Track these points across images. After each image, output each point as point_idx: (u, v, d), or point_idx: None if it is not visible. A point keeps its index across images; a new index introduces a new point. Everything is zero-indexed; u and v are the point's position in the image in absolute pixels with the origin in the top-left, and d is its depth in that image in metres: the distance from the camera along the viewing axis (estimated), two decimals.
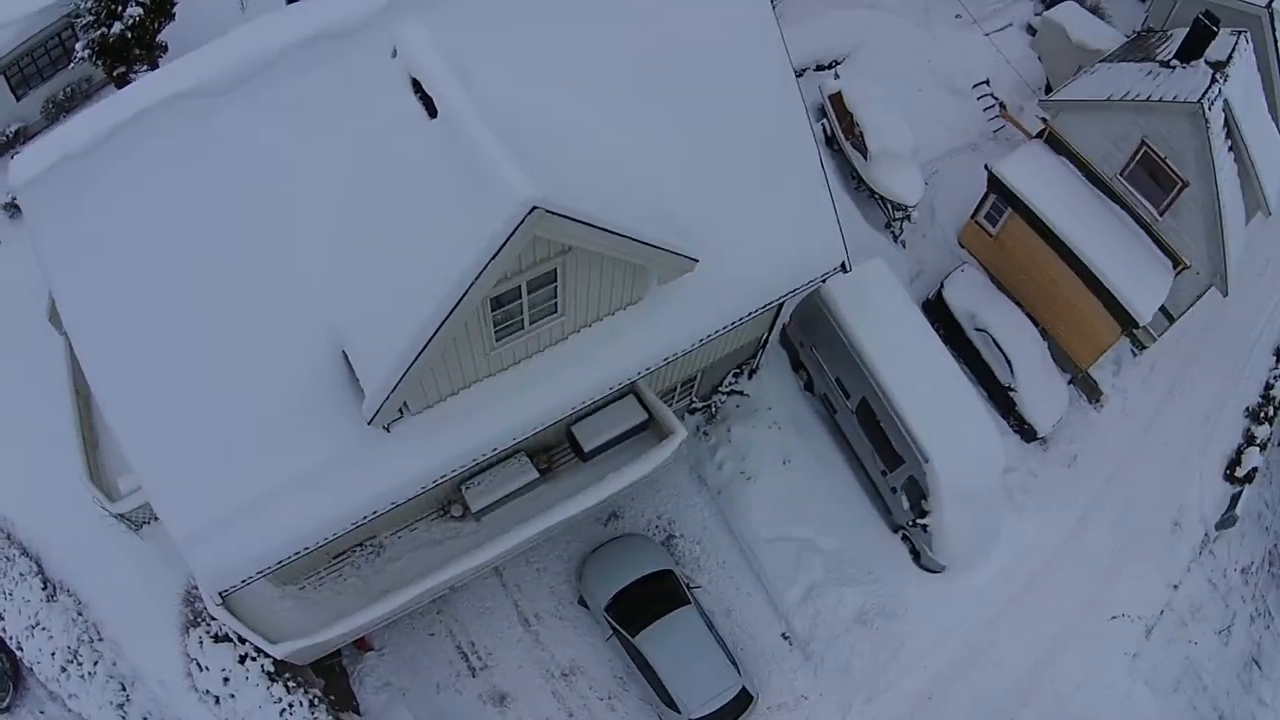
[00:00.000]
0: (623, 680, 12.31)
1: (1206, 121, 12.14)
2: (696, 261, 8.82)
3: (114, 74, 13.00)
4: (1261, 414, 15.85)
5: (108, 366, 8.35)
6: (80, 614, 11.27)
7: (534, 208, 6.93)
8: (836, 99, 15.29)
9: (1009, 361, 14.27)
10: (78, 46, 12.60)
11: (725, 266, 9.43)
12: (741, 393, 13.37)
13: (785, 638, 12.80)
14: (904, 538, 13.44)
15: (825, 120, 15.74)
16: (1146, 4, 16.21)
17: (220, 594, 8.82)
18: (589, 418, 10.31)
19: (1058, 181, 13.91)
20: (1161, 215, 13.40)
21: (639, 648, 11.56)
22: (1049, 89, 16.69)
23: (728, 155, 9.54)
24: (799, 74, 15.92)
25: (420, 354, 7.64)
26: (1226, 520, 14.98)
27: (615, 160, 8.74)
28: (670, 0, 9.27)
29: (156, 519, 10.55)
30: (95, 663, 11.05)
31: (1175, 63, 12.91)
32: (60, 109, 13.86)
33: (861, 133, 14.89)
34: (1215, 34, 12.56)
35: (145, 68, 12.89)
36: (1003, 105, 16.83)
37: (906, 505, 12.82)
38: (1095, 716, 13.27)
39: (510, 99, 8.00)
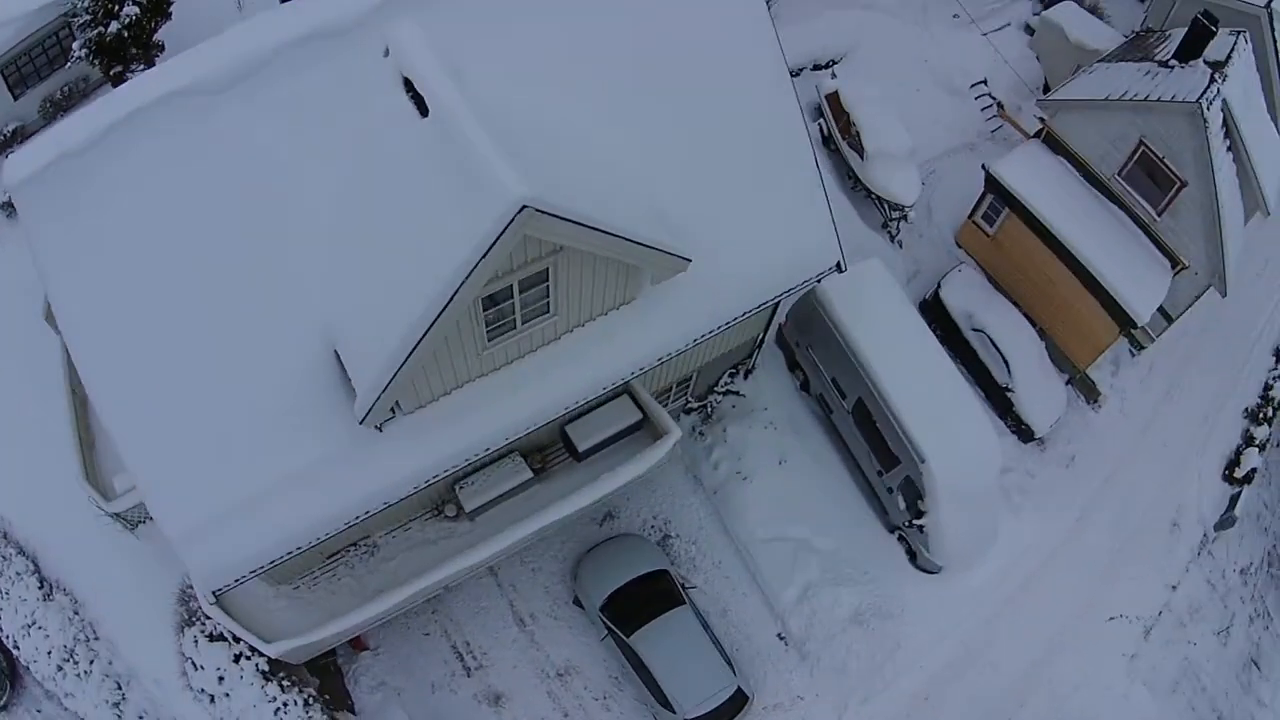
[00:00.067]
0: (618, 680, 12.30)
1: (1205, 121, 12.10)
2: (690, 261, 8.80)
3: (111, 73, 13.02)
4: (1260, 415, 15.80)
5: (102, 365, 8.36)
6: (76, 613, 11.29)
7: (524, 206, 6.92)
8: (833, 98, 15.27)
9: (1006, 362, 14.24)
10: (74, 46, 12.62)
11: (719, 266, 9.42)
12: (737, 393, 13.36)
13: (781, 638, 12.78)
14: (900, 538, 13.42)
15: (822, 120, 15.72)
16: (1145, 4, 16.17)
17: (214, 593, 8.83)
18: (583, 418, 10.31)
19: (1055, 181, 13.88)
20: (1160, 215, 13.36)
21: (634, 648, 11.56)
22: (1047, 89, 16.65)
23: (722, 154, 9.53)
24: (795, 73, 15.97)
25: (411, 354, 7.64)
26: (1225, 521, 14.94)
27: (609, 159, 8.72)
28: (665, 2, 9.26)
29: (152, 518, 10.56)
30: (91, 661, 11.06)
31: (1174, 62, 12.88)
32: (58, 108, 13.88)
33: (858, 132, 14.87)
34: (1214, 34, 12.53)
35: (142, 67, 12.90)
36: (1000, 105, 16.79)
37: (903, 506, 12.79)
38: (1093, 717, 13.24)
39: (504, 98, 7.99)
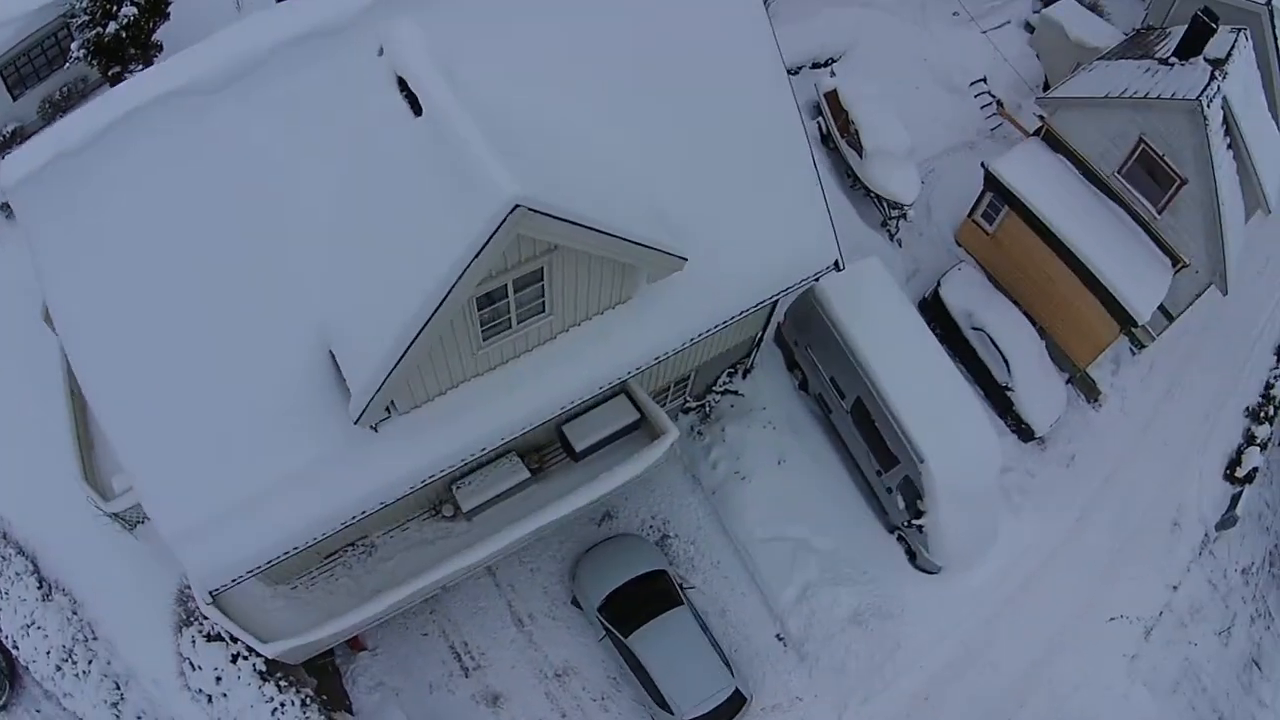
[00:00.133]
0: (616, 681, 12.29)
1: (1205, 119, 12.05)
2: (685, 260, 8.78)
3: (109, 74, 13.03)
4: (1262, 413, 15.74)
5: (98, 365, 8.36)
6: (75, 613, 11.31)
7: (517, 206, 6.90)
8: (832, 97, 15.23)
9: (1006, 361, 14.20)
10: (73, 46, 12.64)
11: (717, 265, 9.41)
12: (736, 392, 13.33)
13: (780, 638, 12.76)
14: (900, 538, 13.38)
15: (820, 118, 15.69)
16: (1145, 1, 16.12)
17: (211, 593, 8.83)
18: (580, 417, 10.29)
19: (1055, 179, 13.84)
20: (1160, 213, 13.31)
21: (631, 649, 11.54)
22: (1047, 87, 16.61)
23: (720, 153, 9.50)
24: (794, 72, 15.95)
25: (405, 353, 7.62)
26: (1226, 520, 14.88)
27: (607, 159, 8.71)
28: (662, 1, 9.24)
29: (150, 518, 10.56)
30: (90, 662, 11.08)
31: (1174, 60, 12.83)
32: (57, 109, 13.89)
33: (857, 131, 14.83)
34: (1214, 31, 12.48)
35: (140, 67, 12.90)
36: (1000, 103, 16.75)
37: (902, 506, 12.76)
38: (1093, 717, 13.19)
39: (500, 97, 7.98)
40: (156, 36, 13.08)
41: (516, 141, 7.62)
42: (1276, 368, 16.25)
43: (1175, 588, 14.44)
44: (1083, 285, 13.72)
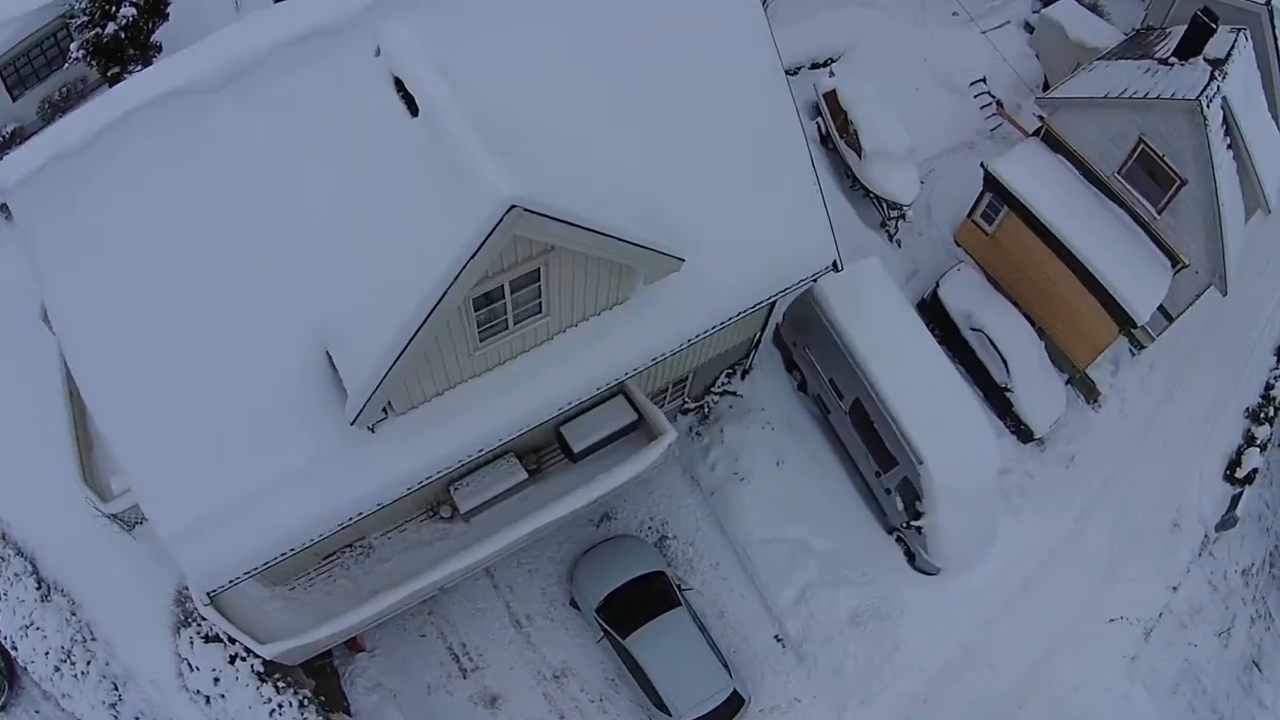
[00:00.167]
0: (614, 682, 12.27)
1: (1205, 119, 12.03)
2: (683, 261, 8.77)
3: (108, 74, 13.04)
4: (1262, 414, 15.71)
5: (95, 365, 8.36)
6: (74, 614, 11.31)
7: (513, 206, 6.90)
8: (831, 97, 15.22)
9: (1005, 361, 14.18)
10: (72, 47, 12.65)
11: (714, 266, 9.39)
12: (734, 393, 13.32)
13: (778, 640, 12.74)
14: (899, 539, 13.36)
15: (820, 119, 15.68)
16: (1146, 2, 16.10)
17: (208, 594, 8.82)
18: (578, 418, 10.28)
19: (1055, 180, 13.82)
20: (1160, 213, 13.29)
21: (629, 650, 11.53)
22: (1047, 87, 16.58)
23: (718, 154, 9.49)
24: (794, 72, 15.95)
25: (401, 354, 7.62)
26: (1227, 521, 14.85)
27: (605, 159, 8.71)
28: (659, 1, 9.23)
29: (148, 519, 10.57)
30: (88, 662, 11.08)
31: (1174, 60, 12.82)
32: (56, 109, 13.90)
33: (856, 131, 14.82)
34: (1214, 31, 12.46)
35: (139, 68, 12.90)
36: (1000, 103, 16.73)
37: (901, 507, 12.74)
38: (1093, 719, 13.16)
39: (500, 97, 7.99)
40: (155, 37, 13.09)
41: (514, 141, 7.62)
42: (1277, 368, 16.22)
43: (1175, 589, 14.42)
44: (1082, 286, 13.70)
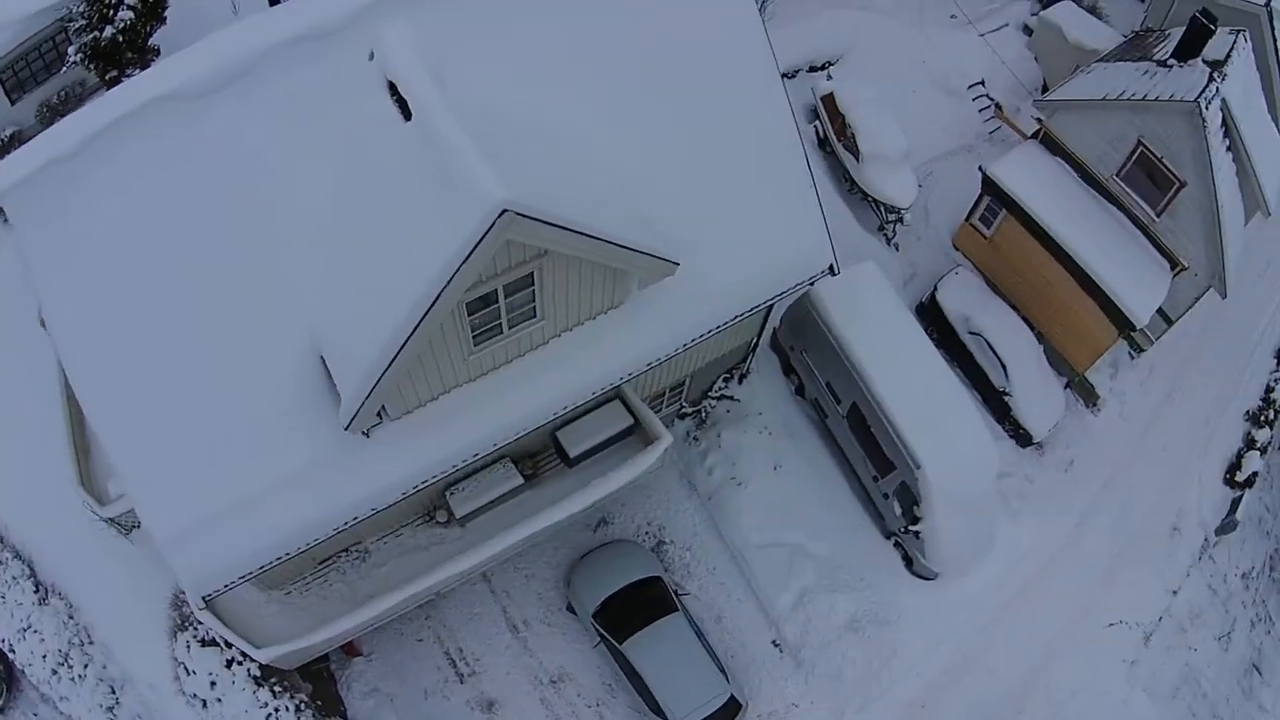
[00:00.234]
0: (611, 688, 12.25)
1: (1203, 120, 11.99)
2: (677, 265, 8.76)
3: (106, 78, 13.06)
4: (1262, 417, 15.64)
5: (91, 369, 8.36)
6: (71, 617, 11.32)
7: (504, 211, 6.89)
8: (828, 100, 15.20)
9: (1004, 365, 14.13)
10: (70, 51, 12.67)
11: (709, 270, 9.37)
12: (732, 397, 13.30)
13: (776, 645, 12.71)
14: (897, 544, 13.32)
15: (818, 122, 15.66)
16: (1145, 3, 16.04)
17: (204, 598, 8.82)
18: (574, 423, 10.27)
19: (1053, 183, 13.78)
20: (1159, 216, 13.25)
21: (626, 655, 11.50)
22: (1045, 90, 16.53)
23: (713, 157, 9.48)
24: (791, 75, 15.93)
25: (394, 359, 7.61)
26: (1227, 525, 14.79)
27: (600, 162, 8.69)
28: (655, 2, 9.23)
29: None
30: (86, 666, 11.09)
31: (1172, 62, 12.77)
32: (55, 113, 13.92)
33: (853, 134, 14.79)
34: (1213, 32, 12.41)
35: (137, 71, 12.93)
36: (998, 106, 16.69)
37: (899, 511, 12.70)
38: None
39: (495, 99, 7.99)
40: (153, 41, 13.10)
41: (508, 144, 7.61)
42: (1277, 371, 16.14)
43: (1175, 593, 14.36)
44: (1081, 289, 13.65)
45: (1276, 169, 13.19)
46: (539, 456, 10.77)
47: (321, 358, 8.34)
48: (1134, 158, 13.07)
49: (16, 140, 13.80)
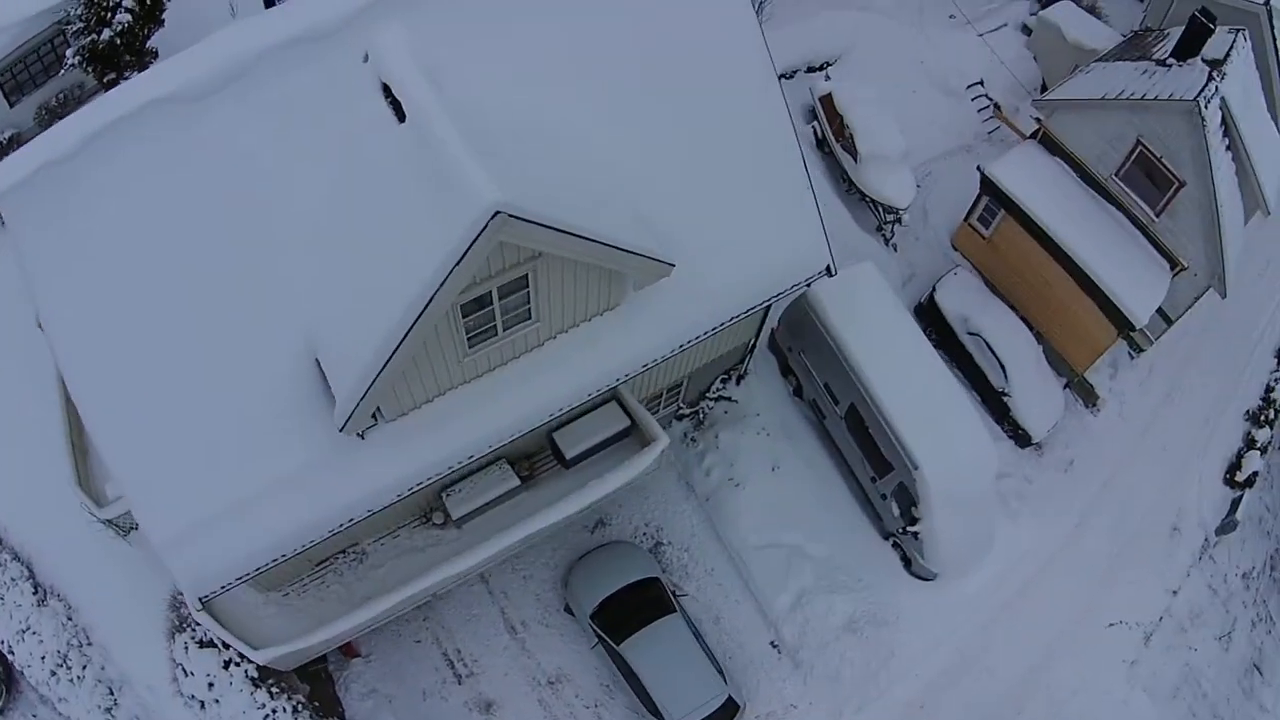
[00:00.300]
0: (609, 689, 12.25)
1: (1203, 120, 11.96)
2: (673, 266, 8.75)
3: (105, 80, 13.09)
4: (1262, 417, 15.60)
5: (88, 372, 8.37)
6: (70, 618, 11.34)
7: (498, 212, 6.88)
8: (827, 101, 15.18)
9: (1003, 366, 14.11)
10: (68, 53, 12.70)
11: (705, 271, 9.36)
12: (729, 398, 13.29)
13: (774, 646, 12.70)
14: (895, 545, 13.30)
15: (816, 123, 15.64)
16: (1144, 3, 16.01)
17: (201, 599, 8.83)
18: (570, 424, 10.26)
19: (1052, 183, 13.76)
20: (1158, 216, 13.22)
21: (624, 656, 11.49)
22: (1044, 89, 16.50)
23: (709, 158, 9.47)
24: (790, 76, 15.93)
25: (389, 361, 7.62)
26: (1227, 525, 14.75)
27: (596, 162, 8.68)
28: (652, 3, 9.22)
29: None
30: (84, 667, 11.11)
31: (1172, 61, 12.74)
32: (54, 115, 13.95)
33: (852, 135, 14.78)
34: (1212, 31, 12.38)
35: (135, 74, 12.95)
36: (997, 106, 16.66)
37: (897, 512, 12.68)
38: None
39: (490, 100, 7.98)
40: (151, 43, 13.13)
41: (506, 145, 7.61)
42: (1277, 371, 16.10)
43: (1175, 593, 14.32)
44: (1080, 289, 13.62)
45: (1276, 168, 13.15)
46: (535, 458, 10.77)
47: (317, 360, 8.35)
48: (1133, 157, 13.04)
49: (15, 143, 13.82)
